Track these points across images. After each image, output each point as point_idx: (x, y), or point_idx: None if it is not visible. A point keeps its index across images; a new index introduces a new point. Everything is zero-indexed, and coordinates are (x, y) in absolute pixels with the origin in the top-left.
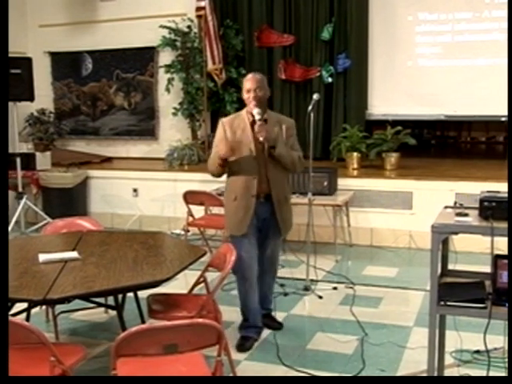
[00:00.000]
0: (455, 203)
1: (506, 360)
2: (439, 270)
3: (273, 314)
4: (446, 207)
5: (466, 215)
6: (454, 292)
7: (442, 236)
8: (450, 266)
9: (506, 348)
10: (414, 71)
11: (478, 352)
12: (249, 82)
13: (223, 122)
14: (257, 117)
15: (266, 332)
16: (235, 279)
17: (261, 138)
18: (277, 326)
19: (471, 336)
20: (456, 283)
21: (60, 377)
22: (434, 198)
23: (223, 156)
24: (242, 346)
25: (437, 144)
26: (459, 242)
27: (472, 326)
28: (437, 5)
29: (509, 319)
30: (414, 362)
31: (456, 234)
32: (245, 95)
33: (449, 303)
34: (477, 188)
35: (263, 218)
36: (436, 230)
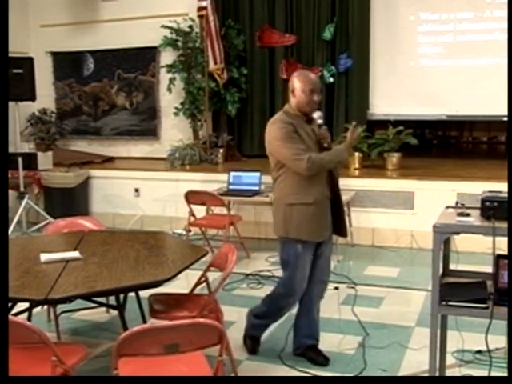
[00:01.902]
0: (457, 203)
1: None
2: (441, 270)
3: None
4: (448, 207)
5: (467, 215)
6: (456, 292)
7: (444, 236)
8: (452, 266)
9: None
10: (416, 71)
11: (479, 352)
12: (313, 83)
13: (285, 119)
14: (319, 121)
15: (267, 332)
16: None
17: (326, 144)
18: (322, 360)
19: (473, 336)
20: (458, 283)
21: (61, 377)
22: (436, 197)
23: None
24: (254, 349)
25: (438, 144)
26: (461, 242)
27: (474, 326)
28: (439, 5)
29: (509, 319)
30: (416, 362)
31: (458, 234)
32: (302, 96)
33: (450, 303)
34: (478, 188)
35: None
36: (438, 229)
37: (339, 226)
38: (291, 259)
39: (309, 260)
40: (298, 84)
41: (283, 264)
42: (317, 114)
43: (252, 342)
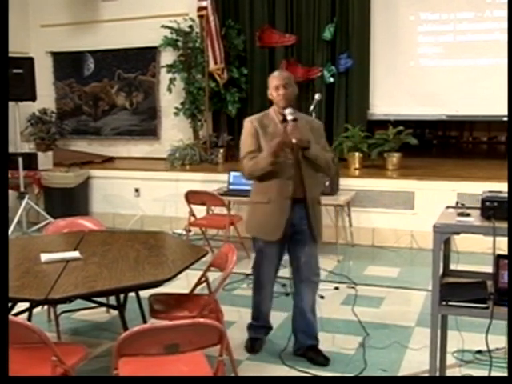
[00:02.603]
0: (457, 203)
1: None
2: (441, 270)
3: (320, 346)
4: (448, 207)
5: (467, 215)
6: (456, 292)
7: (444, 236)
8: (452, 266)
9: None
10: (416, 71)
11: (479, 352)
12: (276, 79)
13: (251, 119)
14: (289, 117)
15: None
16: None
17: (294, 140)
18: (322, 360)
19: (473, 336)
20: (458, 283)
21: (61, 377)
22: (436, 198)
23: (278, 150)
24: (252, 348)
25: (439, 144)
26: (461, 242)
27: (474, 326)
28: (439, 5)
29: (509, 319)
30: (416, 362)
31: (458, 234)
32: (273, 93)
33: (451, 303)
34: (479, 188)
35: (293, 224)
36: (438, 229)
37: (310, 228)
38: (256, 255)
39: (272, 256)
40: (269, 83)
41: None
42: (288, 111)
43: (250, 344)
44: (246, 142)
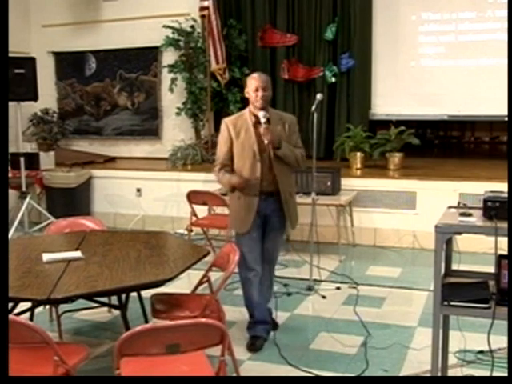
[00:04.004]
0: (459, 203)
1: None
2: (443, 270)
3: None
4: (450, 207)
5: (469, 215)
6: (458, 292)
7: (446, 236)
8: (454, 266)
9: None
10: (418, 71)
11: (481, 352)
12: (256, 81)
13: (226, 122)
14: (262, 119)
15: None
16: (238, 278)
17: (266, 141)
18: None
19: (475, 336)
20: (460, 283)
21: (61, 377)
22: (438, 198)
23: (236, 187)
24: (253, 346)
25: (440, 144)
26: (463, 242)
27: (476, 327)
28: (440, 4)
29: (509, 319)
30: (418, 362)
31: (460, 234)
32: (251, 94)
33: (452, 303)
34: (480, 188)
35: (265, 215)
36: (440, 230)
37: (284, 218)
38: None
39: (249, 246)
40: (248, 86)
41: None
42: (261, 113)
43: (251, 342)
44: (219, 149)
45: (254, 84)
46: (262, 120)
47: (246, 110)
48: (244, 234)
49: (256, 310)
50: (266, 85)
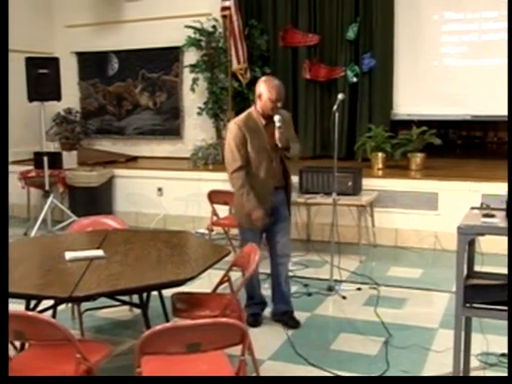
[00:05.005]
0: (482, 204)
1: None
2: (465, 272)
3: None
4: (473, 208)
5: (492, 216)
6: (480, 294)
7: (468, 237)
8: (477, 268)
9: None
10: (440, 71)
11: (504, 355)
12: (277, 94)
13: (238, 123)
14: (278, 124)
15: (289, 331)
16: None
17: (280, 145)
18: (294, 324)
19: (497, 339)
20: (482, 285)
21: (61, 377)
22: (460, 198)
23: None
24: (256, 322)
25: (462, 144)
26: (486, 244)
27: (498, 329)
28: (463, 4)
29: (509, 319)
30: (439, 364)
31: (482, 235)
32: (268, 102)
33: (475, 305)
34: (503, 189)
35: (275, 207)
36: (462, 231)
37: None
38: (241, 238)
39: (255, 239)
40: (267, 92)
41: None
42: (277, 118)
43: (253, 319)
44: (234, 154)
45: (274, 95)
46: (278, 124)
47: (252, 111)
48: (252, 229)
49: (256, 293)
50: (283, 97)
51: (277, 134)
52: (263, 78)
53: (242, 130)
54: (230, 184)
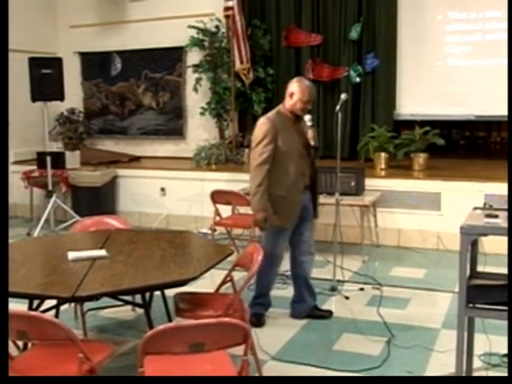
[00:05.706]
0: (485, 204)
1: None
2: (468, 272)
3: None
4: (476, 208)
5: (495, 216)
6: (483, 294)
7: (471, 237)
8: (480, 268)
9: None
10: (444, 71)
11: (506, 355)
12: (309, 95)
13: (270, 119)
14: (309, 123)
15: (292, 332)
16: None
17: (313, 143)
18: (328, 314)
19: (500, 339)
20: (485, 285)
21: (64, 377)
22: (463, 199)
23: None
24: (259, 322)
25: (466, 144)
26: (489, 244)
27: (501, 329)
28: (467, 3)
29: (509, 319)
30: (442, 364)
31: (485, 235)
32: (299, 102)
33: (477, 305)
34: (506, 189)
35: (303, 205)
36: (465, 231)
37: (315, 210)
38: (271, 236)
39: (286, 237)
40: (299, 92)
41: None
42: (307, 117)
43: (257, 318)
44: (262, 149)
45: (306, 96)
46: (309, 124)
47: (281, 109)
48: (282, 228)
49: (268, 295)
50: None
51: (310, 133)
52: (296, 78)
53: (274, 125)
54: (250, 177)
